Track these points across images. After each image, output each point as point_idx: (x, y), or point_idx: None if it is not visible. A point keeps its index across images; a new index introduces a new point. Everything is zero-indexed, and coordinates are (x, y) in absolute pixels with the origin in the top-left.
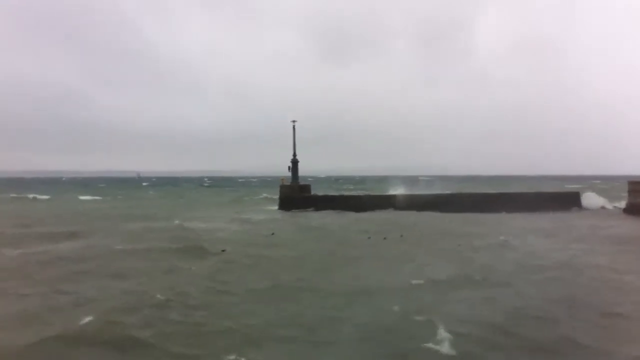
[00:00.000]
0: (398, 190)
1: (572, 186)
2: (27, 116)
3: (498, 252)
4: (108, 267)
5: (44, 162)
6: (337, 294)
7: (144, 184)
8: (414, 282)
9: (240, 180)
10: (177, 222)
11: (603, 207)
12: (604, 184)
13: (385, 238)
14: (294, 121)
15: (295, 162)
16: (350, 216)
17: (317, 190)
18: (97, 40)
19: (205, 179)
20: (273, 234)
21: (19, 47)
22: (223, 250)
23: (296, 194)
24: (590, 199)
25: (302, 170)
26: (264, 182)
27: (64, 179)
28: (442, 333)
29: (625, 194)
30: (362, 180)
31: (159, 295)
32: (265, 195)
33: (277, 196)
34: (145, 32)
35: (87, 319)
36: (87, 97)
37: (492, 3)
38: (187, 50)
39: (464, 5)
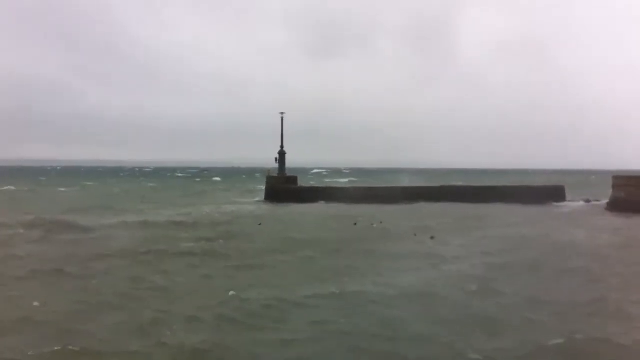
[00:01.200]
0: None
1: (570, 177)
2: (17, 109)
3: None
4: None
5: (36, 153)
6: None
7: (121, 174)
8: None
9: (228, 170)
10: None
11: (588, 201)
12: (599, 177)
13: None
14: (282, 113)
15: (282, 154)
16: (337, 207)
17: (305, 182)
18: (85, 36)
19: (177, 170)
20: (260, 224)
21: (6, 43)
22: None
23: (282, 186)
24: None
25: (292, 162)
26: (253, 173)
27: (49, 168)
28: None
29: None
30: (351, 173)
31: None
32: (252, 187)
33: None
34: (133, 27)
35: None
36: (77, 91)
37: (489, 1)
38: (175, 44)
39: (460, 3)
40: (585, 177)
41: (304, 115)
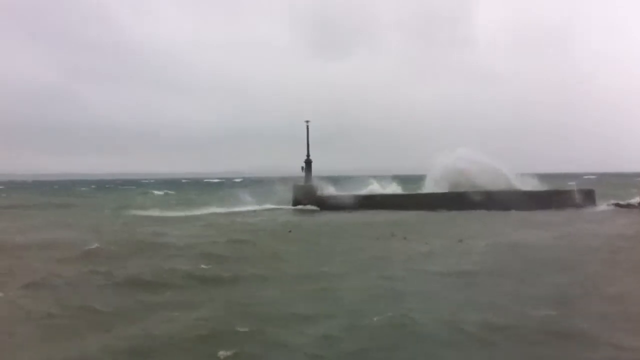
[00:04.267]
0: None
1: (588, 177)
2: (5, 113)
3: None
4: None
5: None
6: None
7: (89, 186)
8: None
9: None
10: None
11: (617, 204)
12: (616, 180)
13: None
14: (307, 121)
15: (308, 163)
16: (366, 215)
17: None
18: (78, 36)
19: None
20: (290, 231)
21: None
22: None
23: (310, 195)
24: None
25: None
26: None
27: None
28: None
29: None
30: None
31: None
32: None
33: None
34: (127, 25)
35: None
36: (69, 94)
37: None
38: (172, 43)
39: None
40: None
41: (315, 118)
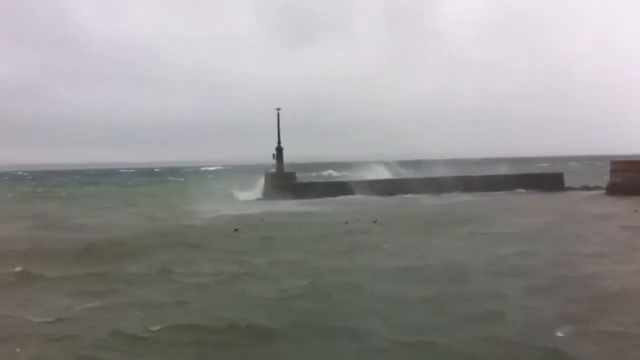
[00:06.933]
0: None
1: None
2: None
3: None
4: None
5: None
6: None
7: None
8: None
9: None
10: None
11: (586, 187)
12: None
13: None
14: (278, 109)
15: (279, 150)
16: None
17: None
18: (43, 34)
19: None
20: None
21: None
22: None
23: (281, 182)
24: None
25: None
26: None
27: None
28: None
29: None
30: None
31: None
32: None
33: None
34: (89, 21)
35: None
36: (38, 91)
37: None
38: (138, 37)
39: None
40: (574, 164)
41: (288, 107)
